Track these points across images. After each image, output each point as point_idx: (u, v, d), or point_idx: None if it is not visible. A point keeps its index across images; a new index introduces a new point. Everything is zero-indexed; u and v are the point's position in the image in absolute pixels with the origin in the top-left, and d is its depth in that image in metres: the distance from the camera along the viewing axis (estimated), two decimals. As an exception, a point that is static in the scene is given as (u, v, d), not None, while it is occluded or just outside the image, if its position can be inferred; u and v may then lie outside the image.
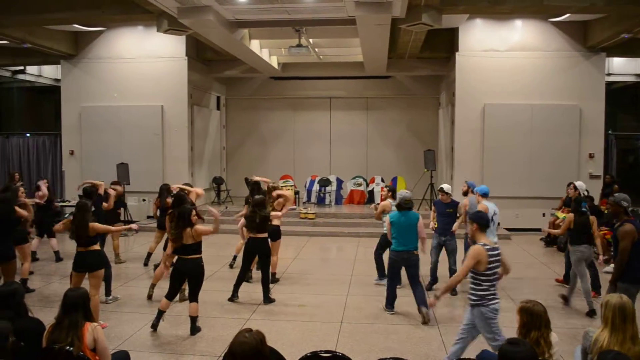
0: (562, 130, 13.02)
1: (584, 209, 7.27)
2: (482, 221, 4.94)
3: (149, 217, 14.16)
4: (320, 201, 15.43)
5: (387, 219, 7.38)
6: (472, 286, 4.76)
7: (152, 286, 7.70)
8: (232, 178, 17.21)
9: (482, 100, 13.22)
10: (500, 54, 13.20)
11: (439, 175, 15.59)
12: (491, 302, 4.73)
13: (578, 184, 8.92)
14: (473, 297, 4.77)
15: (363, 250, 11.02)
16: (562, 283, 8.40)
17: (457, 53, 13.33)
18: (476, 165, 13.29)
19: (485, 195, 8.03)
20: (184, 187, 8.46)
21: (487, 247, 4.74)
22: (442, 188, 8.37)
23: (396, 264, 7.03)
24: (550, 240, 11.76)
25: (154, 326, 6.28)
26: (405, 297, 7.82)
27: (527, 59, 13.16)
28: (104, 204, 8.86)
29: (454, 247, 8.31)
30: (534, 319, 3.76)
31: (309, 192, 15.84)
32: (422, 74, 16.02)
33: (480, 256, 4.68)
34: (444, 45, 14.15)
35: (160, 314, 6.32)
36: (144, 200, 14.29)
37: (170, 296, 6.37)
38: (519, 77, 13.16)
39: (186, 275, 6.38)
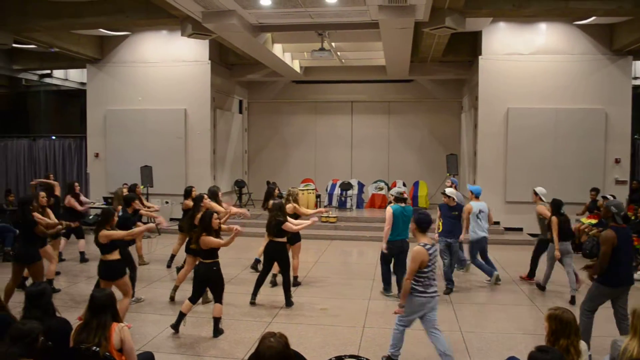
0: (587, 134, 12.83)
1: (562, 211, 8.05)
2: (421, 223, 5.29)
3: (171, 219, 14.29)
4: (342, 205, 15.42)
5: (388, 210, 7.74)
6: (415, 281, 5.17)
7: (175, 288, 7.76)
8: (253, 181, 17.31)
9: (505, 104, 13.09)
10: (524, 57, 13.06)
11: (461, 179, 15.46)
12: (423, 293, 5.20)
13: (538, 189, 9.11)
14: (416, 290, 5.19)
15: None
16: (526, 279, 9.02)
17: (480, 57, 13.23)
18: (499, 169, 13.16)
19: (477, 195, 8.74)
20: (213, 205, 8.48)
21: (427, 246, 5.16)
22: (444, 192, 8.56)
23: (392, 251, 7.72)
24: (575, 247, 11.56)
25: (175, 327, 6.33)
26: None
27: (551, 63, 13.01)
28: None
29: (457, 250, 8.55)
30: (563, 327, 3.70)
31: (330, 195, 15.84)
32: (445, 77, 15.94)
33: (422, 256, 5.10)
34: (467, 48, 14.05)
35: (182, 316, 6.36)
36: (166, 202, 14.42)
37: (193, 299, 6.41)
38: (543, 80, 13.01)
39: (203, 278, 6.42)
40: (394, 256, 7.82)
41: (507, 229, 13.03)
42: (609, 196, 11.22)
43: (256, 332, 6.41)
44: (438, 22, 9.96)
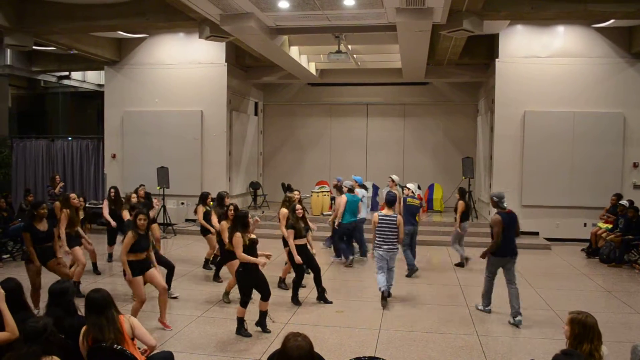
0: (605, 138, 12.71)
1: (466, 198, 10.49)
2: (387, 199, 7.85)
3: (187, 220, 14.40)
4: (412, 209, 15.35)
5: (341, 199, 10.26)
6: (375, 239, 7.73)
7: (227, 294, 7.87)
8: (268, 183, 17.38)
9: (522, 108, 13.01)
10: (542, 60, 12.98)
11: (477, 183, 15.40)
12: (379, 248, 7.67)
13: (410, 185, 10.33)
14: (377, 245, 7.73)
15: (400, 258, 10.92)
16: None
17: (497, 59, 13.17)
18: (515, 173, 13.08)
19: (360, 185, 11.11)
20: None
21: (381, 214, 7.69)
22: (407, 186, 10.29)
23: (349, 231, 10.36)
24: (592, 251, 11.48)
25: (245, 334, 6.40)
26: (448, 307, 7.78)
27: (569, 66, 12.91)
28: None
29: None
30: (586, 331, 3.66)
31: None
32: (461, 80, 15.88)
33: (374, 219, 7.71)
34: (484, 51, 13.99)
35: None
36: (182, 203, 14.53)
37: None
38: (561, 84, 12.92)
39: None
40: (346, 234, 10.38)
41: (523, 233, 12.87)
42: (625, 202, 11.14)
43: (273, 333, 6.44)
44: (455, 25, 9.93)
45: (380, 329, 6.70)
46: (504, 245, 7.10)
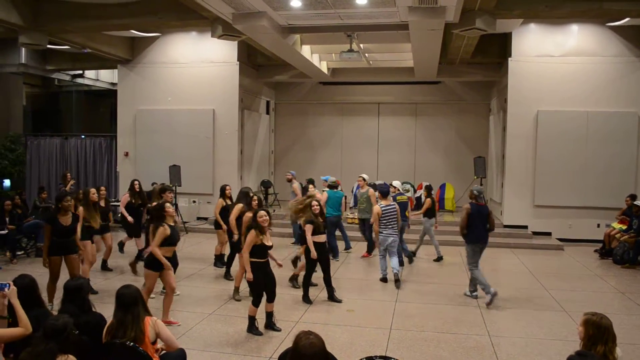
0: (618, 138, 12.58)
1: (432, 194, 11.10)
2: (382, 192, 9.05)
3: (199, 218, 14.46)
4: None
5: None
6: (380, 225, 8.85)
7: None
8: (279, 181, 17.38)
9: (535, 107, 12.92)
10: (555, 59, 12.87)
11: (489, 182, 15.32)
12: (384, 234, 8.83)
13: (395, 183, 10.88)
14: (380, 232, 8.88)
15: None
16: (366, 256, 11.10)
17: (509, 58, 13.08)
18: (528, 173, 12.99)
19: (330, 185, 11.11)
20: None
21: (382, 205, 8.84)
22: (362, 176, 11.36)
23: (333, 224, 10.65)
24: (605, 252, 11.38)
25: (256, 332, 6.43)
26: (459, 307, 7.76)
27: (583, 65, 12.79)
28: None
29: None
30: (601, 333, 3.61)
31: (356, 197, 15.79)
32: (473, 79, 15.80)
33: (377, 211, 8.82)
34: (496, 50, 13.91)
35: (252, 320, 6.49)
36: (194, 201, 14.59)
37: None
38: (574, 83, 12.80)
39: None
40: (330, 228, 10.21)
41: (536, 234, 12.86)
42: (394, 183, 11.21)
43: (283, 331, 6.46)
44: (468, 24, 9.87)
45: (391, 328, 6.70)
46: (475, 233, 7.96)
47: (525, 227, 13.00)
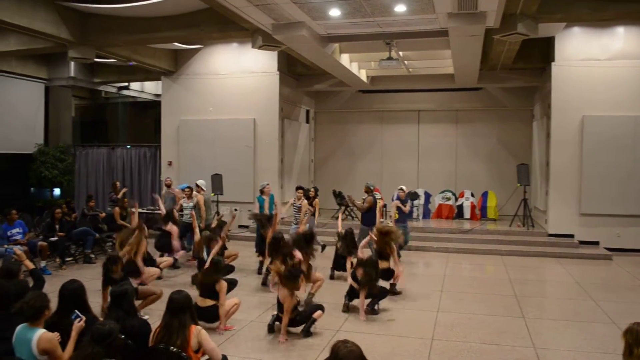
0: (669, 143, 12.13)
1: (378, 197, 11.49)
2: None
3: (240, 226, 14.63)
4: (408, 215, 15.24)
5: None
6: None
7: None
8: (319, 190, 17.38)
9: (580, 112, 12.58)
10: (600, 63, 12.52)
11: (532, 190, 14.98)
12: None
13: (199, 182, 11.63)
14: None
15: (452, 266, 10.79)
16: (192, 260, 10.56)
17: (553, 63, 12.79)
18: (574, 180, 12.64)
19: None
20: None
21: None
22: (402, 188, 11.54)
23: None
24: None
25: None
26: (502, 317, 7.62)
27: (630, 68, 12.37)
28: None
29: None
30: (638, 340, 3.52)
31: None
32: (515, 85, 15.50)
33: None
34: (539, 55, 13.61)
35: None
36: (235, 210, 14.76)
37: None
38: (621, 87, 12.40)
39: None
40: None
41: (582, 243, 12.48)
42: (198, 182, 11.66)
43: (324, 339, 6.46)
44: (509, 29, 9.71)
45: (433, 338, 6.61)
46: (368, 219, 10.29)
47: (572, 236, 12.64)
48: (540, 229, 13.43)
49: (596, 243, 12.50)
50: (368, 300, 7.46)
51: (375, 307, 7.59)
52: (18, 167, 16.48)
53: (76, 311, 4.25)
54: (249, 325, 7.06)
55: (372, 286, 7.30)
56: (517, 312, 7.76)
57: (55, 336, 4.07)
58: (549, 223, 12.92)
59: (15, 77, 15.92)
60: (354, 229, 9.47)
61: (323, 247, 11.71)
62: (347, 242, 8.97)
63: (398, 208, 11.17)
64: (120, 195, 12.96)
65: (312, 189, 12.06)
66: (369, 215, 10.62)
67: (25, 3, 10.25)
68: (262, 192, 11.16)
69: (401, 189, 11.46)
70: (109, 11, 11.21)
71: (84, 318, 4.23)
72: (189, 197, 11.48)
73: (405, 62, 13.69)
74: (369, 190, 10.98)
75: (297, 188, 11.04)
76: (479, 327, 7.05)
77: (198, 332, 4.26)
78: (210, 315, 6.53)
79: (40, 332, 4.04)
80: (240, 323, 7.08)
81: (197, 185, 11.77)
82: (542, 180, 14.04)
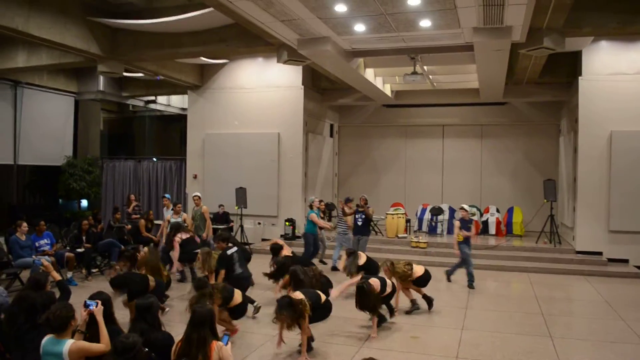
0: (701, 159, 11.83)
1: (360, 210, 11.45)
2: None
3: (263, 239, 14.68)
4: (432, 230, 15.15)
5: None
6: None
7: None
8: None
9: (608, 127, 12.37)
10: (629, 77, 12.32)
11: (559, 206, 14.74)
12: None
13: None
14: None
15: (477, 283, 10.62)
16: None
17: (580, 77, 12.63)
18: (602, 196, 12.40)
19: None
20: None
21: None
22: (463, 207, 10.60)
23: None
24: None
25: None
26: (529, 336, 7.48)
27: (660, 83, 12.19)
28: None
29: None
30: None
31: (420, 220, 15.62)
32: (541, 99, 15.33)
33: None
34: (566, 69, 13.46)
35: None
36: (259, 223, 14.85)
37: None
38: (651, 102, 12.21)
39: None
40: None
41: (611, 260, 12.21)
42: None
43: (346, 357, 6.41)
44: (536, 43, 9.62)
45: (458, 357, 6.52)
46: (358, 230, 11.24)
47: (600, 253, 12.38)
48: (568, 246, 13.18)
49: (625, 261, 12.22)
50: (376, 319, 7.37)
51: (387, 315, 7.75)
52: (47, 178, 16.83)
53: (86, 300, 4.43)
54: (272, 339, 7.03)
55: (373, 311, 7.22)
56: (544, 331, 7.60)
57: (79, 338, 4.18)
58: (577, 240, 12.68)
59: (46, 90, 16.33)
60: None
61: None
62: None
63: (461, 230, 10.31)
64: (130, 210, 13.21)
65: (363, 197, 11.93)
66: (359, 227, 11.36)
67: (57, 19, 10.54)
68: (311, 207, 12.09)
69: (462, 208, 10.54)
70: (137, 27, 11.47)
71: (99, 302, 4.34)
72: (177, 212, 11.56)
73: (430, 76, 13.67)
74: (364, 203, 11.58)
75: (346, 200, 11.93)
76: (505, 346, 6.92)
77: (220, 349, 4.26)
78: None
79: (69, 344, 4.11)
80: (265, 337, 7.07)
81: (199, 197, 12.03)
82: (569, 196, 13.81)
